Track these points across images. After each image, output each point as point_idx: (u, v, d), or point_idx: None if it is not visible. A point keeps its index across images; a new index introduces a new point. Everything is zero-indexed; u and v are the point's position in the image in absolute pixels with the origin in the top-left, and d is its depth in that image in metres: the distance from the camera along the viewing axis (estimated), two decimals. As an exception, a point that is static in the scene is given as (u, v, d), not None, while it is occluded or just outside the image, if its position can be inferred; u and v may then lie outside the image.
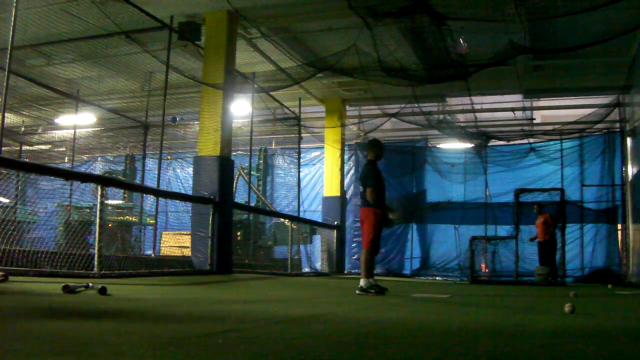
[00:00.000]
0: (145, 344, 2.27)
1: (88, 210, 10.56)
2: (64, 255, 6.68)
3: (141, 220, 12.12)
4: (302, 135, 14.65)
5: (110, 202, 11.06)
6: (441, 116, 14.43)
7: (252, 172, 14.11)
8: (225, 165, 9.47)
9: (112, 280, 6.18)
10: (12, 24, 7.09)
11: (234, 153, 11.23)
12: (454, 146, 16.15)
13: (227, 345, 2.36)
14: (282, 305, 4.68)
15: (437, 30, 8.93)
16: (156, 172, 10.61)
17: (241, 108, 12.45)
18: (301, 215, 14.37)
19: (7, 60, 7.00)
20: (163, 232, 12.14)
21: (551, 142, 15.07)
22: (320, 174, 16.34)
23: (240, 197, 13.58)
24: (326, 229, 14.45)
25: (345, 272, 14.78)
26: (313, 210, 16.20)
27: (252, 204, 13.20)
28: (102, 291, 4.36)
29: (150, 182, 12.78)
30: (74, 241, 7.29)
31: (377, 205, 6.35)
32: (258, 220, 13.36)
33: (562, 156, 14.87)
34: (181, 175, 16.70)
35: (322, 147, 15.89)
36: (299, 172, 14.71)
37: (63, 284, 4.48)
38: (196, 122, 11.18)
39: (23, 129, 15.41)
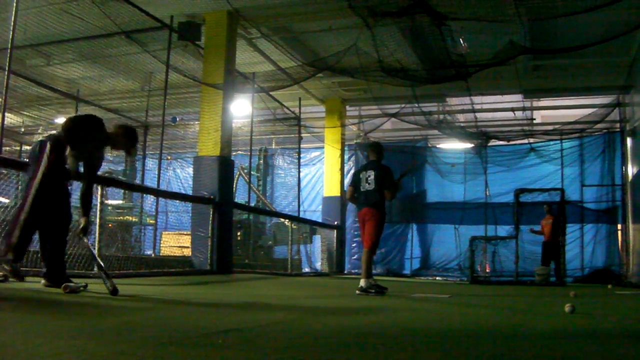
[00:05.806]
0: (146, 344, 2.28)
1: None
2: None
3: (141, 220, 12.11)
4: (302, 135, 14.65)
5: (110, 202, 11.05)
6: (441, 116, 14.42)
7: (252, 172, 14.11)
8: (225, 165, 9.47)
9: (112, 280, 6.15)
10: (12, 24, 7.09)
11: (234, 153, 11.23)
12: (454, 146, 16.15)
13: (227, 345, 2.36)
14: (282, 305, 4.68)
15: (437, 30, 8.93)
16: (156, 172, 10.61)
17: (241, 108, 12.44)
18: (301, 215, 14.36)
19: (7, 60, 7.00)
20: (163, 232, 12.12)
21: (551, 142, 15.07)
22: (320, 174, 16.34)
23: (240, 197, 13.57)
24: (326, 229, 14.45)
25: (345, 272, 14.77)
26: (313, 210, 16.20)
27: (252, 204, 13.20)
28: (114, 292, 4.35)
29: (150, 182, 12.77)
30: (73, 241, 7.27)
31: (384, 205, 6.45)
32: (258, 220, 13.35)
33: (562, 156, 14.87)
34: (181, 175, 16.69)
35: (322, 147, 15.89)
36: (299, 172, 14.71)
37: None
38: (196, 122, 11.18)
39: (23, 129, 15.41)
